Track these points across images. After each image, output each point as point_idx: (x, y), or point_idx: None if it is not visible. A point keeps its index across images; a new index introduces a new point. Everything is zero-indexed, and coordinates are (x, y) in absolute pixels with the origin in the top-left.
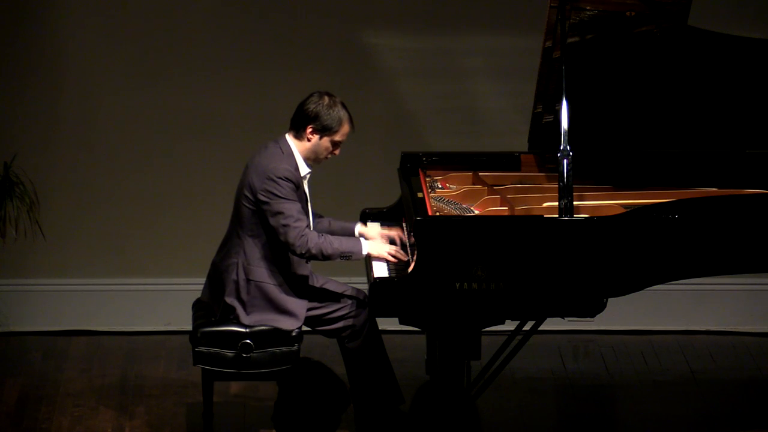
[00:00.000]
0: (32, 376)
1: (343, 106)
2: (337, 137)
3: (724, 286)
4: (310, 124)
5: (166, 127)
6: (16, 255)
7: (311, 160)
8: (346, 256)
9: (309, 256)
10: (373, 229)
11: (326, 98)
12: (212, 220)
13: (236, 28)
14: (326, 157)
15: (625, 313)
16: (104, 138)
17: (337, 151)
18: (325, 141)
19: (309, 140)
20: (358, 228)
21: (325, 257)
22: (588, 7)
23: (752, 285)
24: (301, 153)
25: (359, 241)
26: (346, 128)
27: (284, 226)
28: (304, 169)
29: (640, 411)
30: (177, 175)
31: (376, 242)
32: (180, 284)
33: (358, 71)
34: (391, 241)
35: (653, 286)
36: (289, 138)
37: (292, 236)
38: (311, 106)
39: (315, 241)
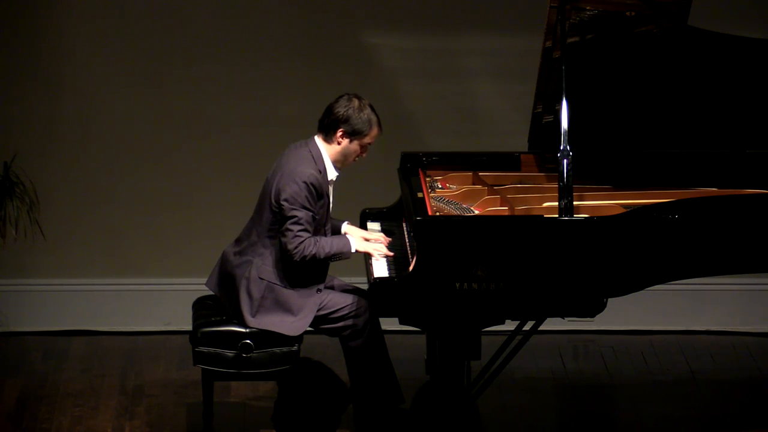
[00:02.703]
0: (32, 376)
1: (372, 108)
2: (367, 140)
3: (724, 286)
4: (340, 128)
5: (166, 127)
6: (16, 255)
7: (339, 163)
8: (337, 257)
9: (304, 263)
10: (357, 231)
11: (356, 101)
12: (212, 220)
13: (236, 28)
14: (353, 160)
15: (625, 313)
16: (104, 138)
17: (364, 155)
18: (355, 144)
19: (339, 143)
20: (344, 227)
21: (319, 261)
22: (588, 7)
23: (752, 285)
24: (330, 156)
25: (348, 239)
26: (375, 131)
27: (289, 230)
28: (331, 173)
29: (640, 411)
30: (177, 175)
31: (361, 240)
32: (180, 284)
33: (359, 71)
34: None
35: (653, 286)
36: (319, 141)
37: (292, 243)
38: (341, 110)
39: (310, 249)
